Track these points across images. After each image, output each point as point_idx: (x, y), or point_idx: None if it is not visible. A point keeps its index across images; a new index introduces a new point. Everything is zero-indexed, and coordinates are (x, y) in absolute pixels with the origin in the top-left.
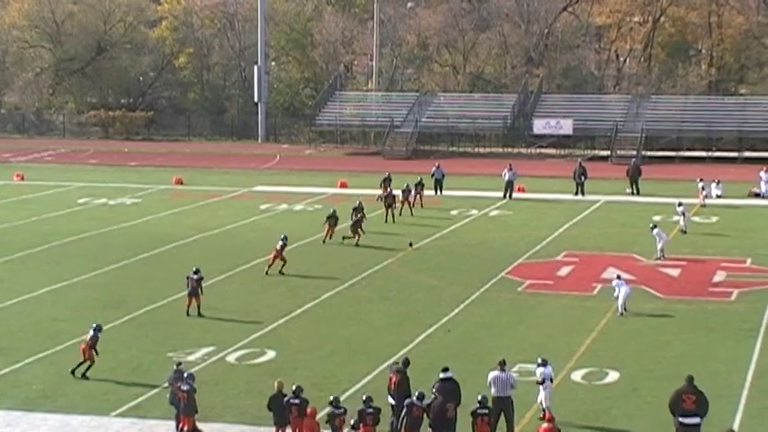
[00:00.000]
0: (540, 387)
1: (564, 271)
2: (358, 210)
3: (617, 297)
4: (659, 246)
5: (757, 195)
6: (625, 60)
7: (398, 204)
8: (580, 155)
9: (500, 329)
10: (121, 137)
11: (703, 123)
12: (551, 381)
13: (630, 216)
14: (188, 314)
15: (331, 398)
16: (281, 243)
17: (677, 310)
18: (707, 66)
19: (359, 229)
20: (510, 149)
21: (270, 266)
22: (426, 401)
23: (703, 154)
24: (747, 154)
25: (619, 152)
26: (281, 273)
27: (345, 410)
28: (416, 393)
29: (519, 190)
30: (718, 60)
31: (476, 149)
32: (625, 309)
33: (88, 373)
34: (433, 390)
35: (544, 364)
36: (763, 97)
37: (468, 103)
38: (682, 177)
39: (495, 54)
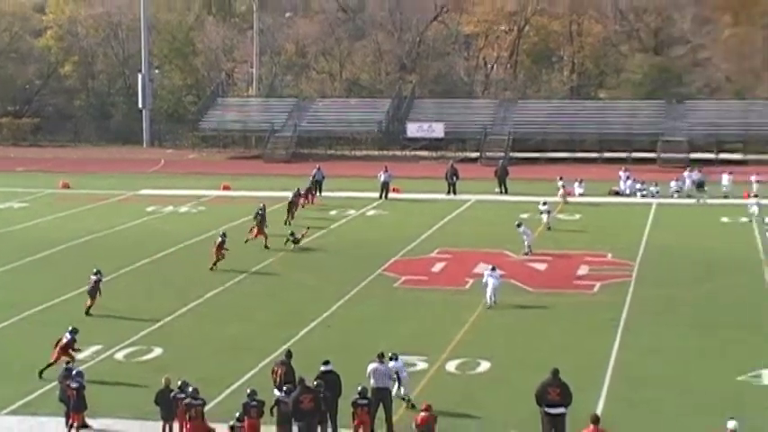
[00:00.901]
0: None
1: (438, 267)
2: (261, 212)
3: (485, 286)
4: (526, 242)
5: (617, 194)
6: (492, 67)
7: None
8: (451, 157)
9: (378, 324)
10: (8, 143)
11: (566, 126)
12: (405, 372)
13: (499, 214)
14: (87, 313)
15: (190, 388)
16: (219, 239)
17: (545, 303)
18: (569, 72)
19: (263, 230)
20: (385, 152)
21: (214, 263)
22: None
23: (566, 155)
24: (607, 155)
25: (487, 154)
26: (211, 269)
27: (203, 402)
28: (285, 388)
29: (394, 191)
30: (579, 67)
31: (352, 152)
32: (495, 302)
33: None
34: (314, 382)
35: (395, 358)
36: (620, 101)
37: (344, 108)
38: (547, 177)
39: (369, 61)
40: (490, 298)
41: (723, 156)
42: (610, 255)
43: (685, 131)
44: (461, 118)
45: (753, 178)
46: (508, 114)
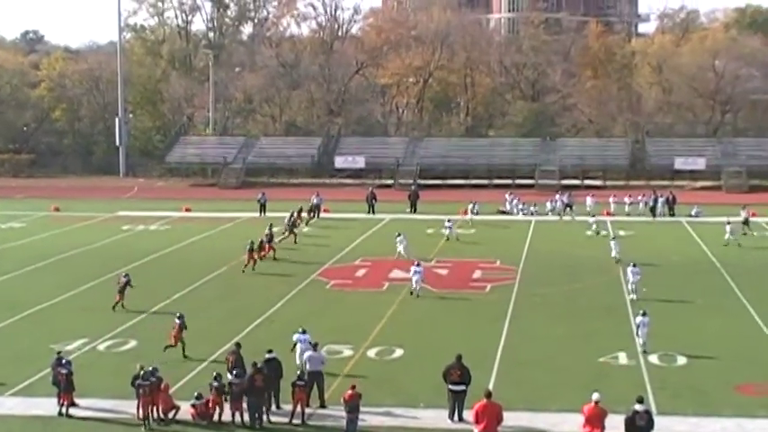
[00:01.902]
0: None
1: (360, 272)
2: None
3: (412, 278)
4: (401, 250)
5: (503, 212)
6: (403, 111)
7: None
8: (371, 183)
9: (312, 319)
10: (9, 174)
11: (462, 158)
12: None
13: (410, 230)
14: (114, 309)
15: (148, 368)
16: (248, 246)
17: (446, 300)
18: (464, 115)
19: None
20: (317, 180)
21: (246, 265)
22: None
23: (463, 182)
24: (495, 181)
25: (400, 181)
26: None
27: (152, 382)
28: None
29: (325, 211)
30: (472, 110)
31: (290, 180)
32: (417, 295)
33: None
34: (258, 365)
35: (303, 332)
36: (505, 138)
37: (284, 144)
38: (448, 199)
39: (304, 106)
40: (416, 284)
41: (587, 182)
42: (498, 262)
43: (557, 162)
44: (379, 152)
45: (610, 200)
46: (416, 149)
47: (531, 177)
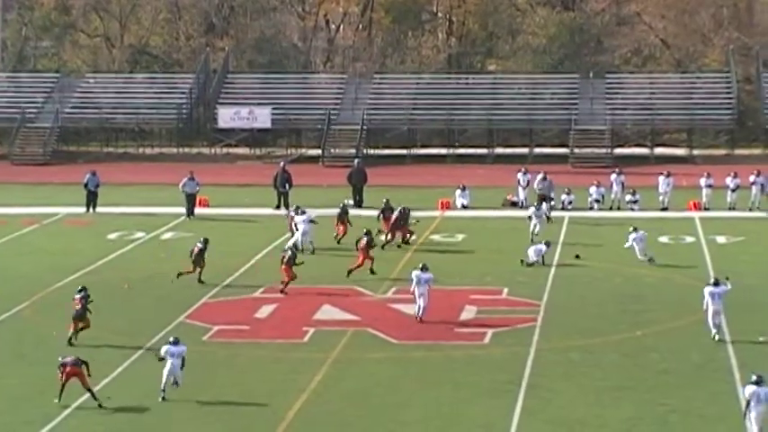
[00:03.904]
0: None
1: (264, 311)
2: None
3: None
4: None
5: (514, 204)
6: (338, 28)
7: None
8: (282, 156)
9: (181, 394)
10: None
11: (442, 111)
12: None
13: (351, 235)
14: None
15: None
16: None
17: (415, 360)
18: (445, 35)
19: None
20: (187, 149)
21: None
22: None
23: (443, 151)
24: (500, 150)
25: (333, 151)
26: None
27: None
28: None
29: (200, 203)
30: (459, 28)
31: (141, 150)
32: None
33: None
34: None
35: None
36: (517, 75)
37: (128, 86)
38: (417, 183)
39: (163, 20)
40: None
41: (661, 151)
42: (506, 291)
43: (608, 117)
44: (295, 100)
45: (702, 182)
46: (361, 95)
47: (563, 144)
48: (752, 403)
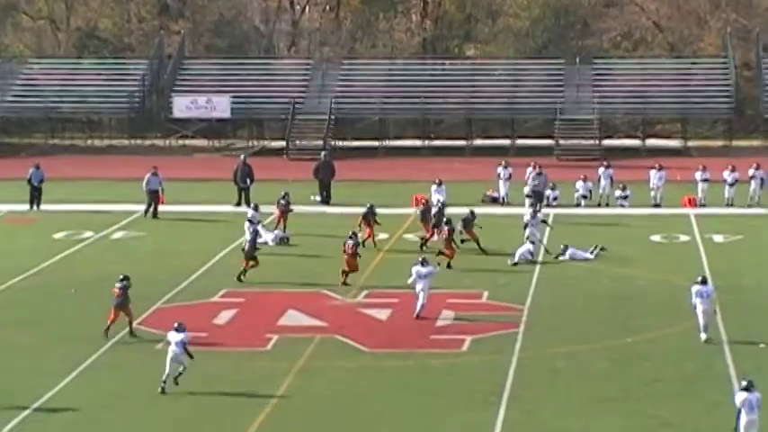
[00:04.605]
0: None
1: (223, 317)
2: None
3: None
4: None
5: (495, 200)
6: (303, 10)
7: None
8: (243, 148)
9: (132, 407)
10: None
11: (417, 99)
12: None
13: (320, 233)
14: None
15: None
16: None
17: (388, 370)
18: (420, 17)
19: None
20: (140, 141)
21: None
22: None
23: (418, 143)
24: (479, 142)
25: (298, 143)
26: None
27: None
28: None
29: (161, 202)
30: (435, 9)
31: (89, 142)
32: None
33: None
34: None
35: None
36: (497, 61)
37: (75, 73)
38: (389, 177)
39: (113, 1)
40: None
41: (653, 143)
42: (486, 294)
43: (596, 106)
44: (257, 88)
45: (698, 176)
46: (328, 82)
47: (548, 135)
48: (743, 411)
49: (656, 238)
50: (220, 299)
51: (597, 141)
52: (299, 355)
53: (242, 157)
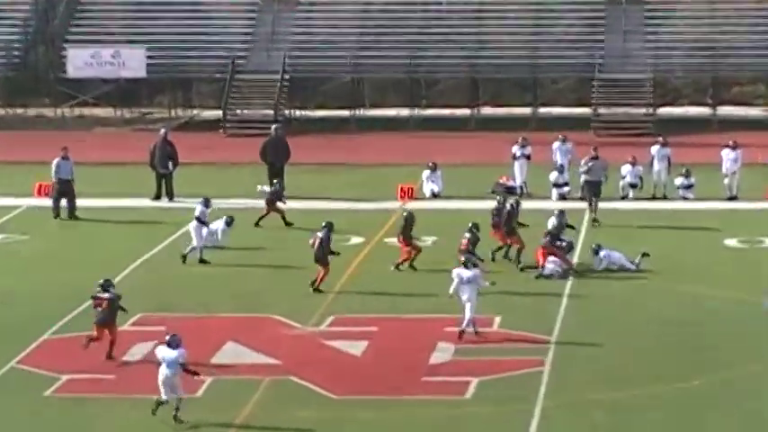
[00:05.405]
0: None
1: (136, 352)
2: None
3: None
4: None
5: (510, 191)
6: None
7: None
8: (163, 120)
9: None
10: None
11: (402, 52)
12: None
13: (270, 236)
14: None
15: None
16: None
17: (363, 424)
18: None
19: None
20: (22, 110)
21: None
22: None
23: (404, 112)
24: (488, 111)
25: (240, 112)
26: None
27: None
28: None
29: (41, 192)
30: None
31: None
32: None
33: None
34: None
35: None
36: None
37: None
38: (365, 160)
39: None
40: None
41: (727, 111)
42: (498, 320)
43: (649, 61)
44: (182, 38)
45: None
46: (281, 29)
47: (583, 102)
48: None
49: (731, 242)
50: (133, 327)
51: (650, 110)
52: (241, 403)
53: (162, 131)
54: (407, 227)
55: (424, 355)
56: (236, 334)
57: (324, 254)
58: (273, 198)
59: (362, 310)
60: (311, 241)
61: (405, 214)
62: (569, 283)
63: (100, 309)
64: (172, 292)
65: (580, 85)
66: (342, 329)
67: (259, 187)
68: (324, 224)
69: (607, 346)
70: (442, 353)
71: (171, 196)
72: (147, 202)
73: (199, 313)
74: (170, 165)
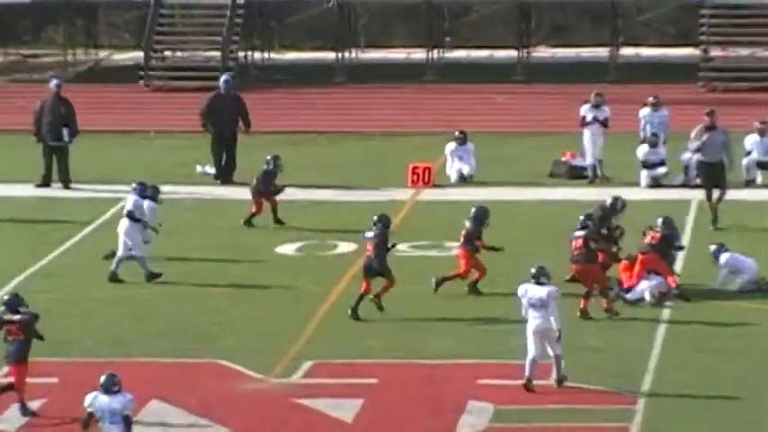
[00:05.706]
0: None
1: (15, 416)
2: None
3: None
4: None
5: (579, 173)
6: None
7: None
8: (56, 65)
9: None
10: None
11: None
12: None
13: (215, 241)
14: None
15: None
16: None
17: None
18: None
19: None
20: None
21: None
22: None
23: (418, 55)
24: (540, 54)
25: (171, 54)
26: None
27: None
28: None
29: None
30: None
31: None
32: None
33: None
34: None
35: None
36: None
37: None
38: (361, 127)
39: None
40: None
41: None
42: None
43: None
44: None
45: None
46: None
47: (686, 41)
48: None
49: None
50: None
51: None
52: None
53: (52, 83)
54: (476, 227)
55: (449, 421)
56: (163, 388)
57: (384, 259)
58: (261, 188)
59: (354, 352)
60: (367, 246)
61: (473, 211)
62: (667, 314)
63: (10, 338)
64: (69, 324)
65: (682, 15)
66: (324, 381)
67: (199, 167)
68: (376, 219)
69: (718, 407)
70: (475, 417)
71: (66, 182)
72: (31, 190)
73: (110, 357)
74: (65, 134)
